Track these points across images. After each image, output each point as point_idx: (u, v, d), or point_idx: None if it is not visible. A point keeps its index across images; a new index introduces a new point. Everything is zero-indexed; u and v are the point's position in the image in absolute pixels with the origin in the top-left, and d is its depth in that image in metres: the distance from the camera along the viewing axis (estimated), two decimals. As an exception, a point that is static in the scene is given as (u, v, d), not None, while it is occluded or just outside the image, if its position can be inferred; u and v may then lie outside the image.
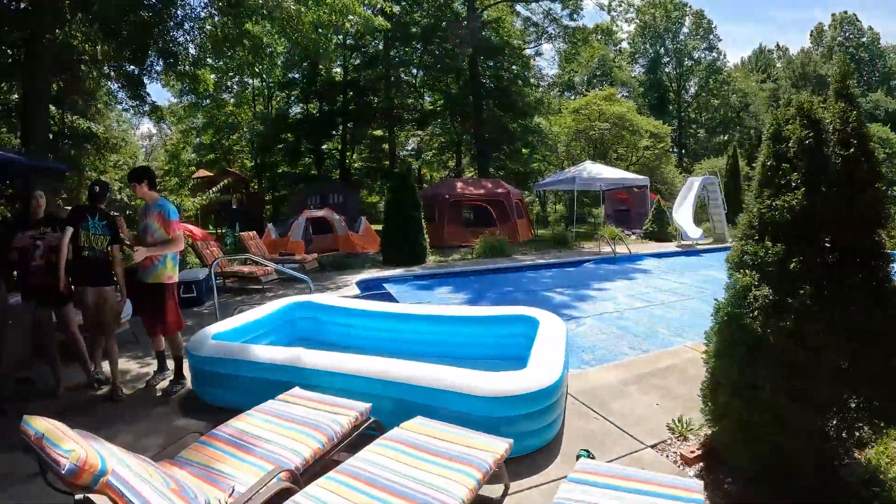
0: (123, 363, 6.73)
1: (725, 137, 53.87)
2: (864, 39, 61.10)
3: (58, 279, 5.67)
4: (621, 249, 16.76)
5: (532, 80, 33.76)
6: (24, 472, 4.03)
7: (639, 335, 8.09)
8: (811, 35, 64.35)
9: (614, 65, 52.78)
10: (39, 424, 2.45)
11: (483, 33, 29.24)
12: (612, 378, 5.75)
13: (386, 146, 35.78)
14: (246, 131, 35.36)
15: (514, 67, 32.43)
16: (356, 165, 36.86)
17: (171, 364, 6.19)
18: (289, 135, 34.39)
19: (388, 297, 10.90)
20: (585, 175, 21.51)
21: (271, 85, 37.20)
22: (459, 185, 20.80)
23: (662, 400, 5.16)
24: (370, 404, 4.11)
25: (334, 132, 35.32)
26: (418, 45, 32.12)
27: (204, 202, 16.94)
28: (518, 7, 32.94)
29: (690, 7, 55.58)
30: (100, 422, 5.04)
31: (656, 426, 4.62)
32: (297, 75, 36.00)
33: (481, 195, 20.31)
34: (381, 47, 33.26)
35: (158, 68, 16.34)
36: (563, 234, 19.35)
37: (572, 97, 42.12)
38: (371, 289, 11.77)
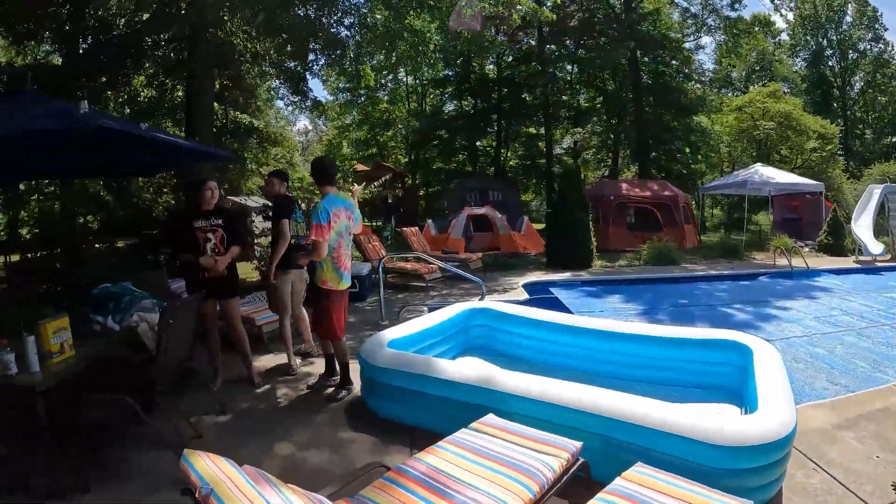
0: (282, 362, 6.84)
1: (895, 139, 49.62)
2: None
3: (230, 272, 5.97)
4: (797, 263, 15.49)
5: (693, 76, 32.36)
6: (171, 474, 3.84)
7: (835, 367, 7.28)
8: None
9: (774, 58, 49.60)
10: (204, 469, 2.19)
11: (640, 27, 28.44)
12: (822, 420, 5.02)
13: (542, 144, 35.24)
14: (401, 128, 35.90)
15: (673, 62, 31.37)
16: (511, 163, 36.58)
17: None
18: (443, 131, 34.64)
19: (557, 304, 10.60)
20: (757, 179, 20.27)
21: (424, 82, 37.66)
22: (625, 186, 20.27)
23: (883, 452, 4.46)
24: (581, 443, 3.40)
25: (489, 129, 35.23)
26: (570, 41, 31.52)
27: (367, 196, 17.19)
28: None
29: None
30: (257, 427, 5.08)
31: (882, 484, 3.92)
32: (450, 72, 36.18)
33: (647, 198, 19.65)
34: (532, 43, 32.78)
35: (321, 63, 16.71)
36: (733, 244, 18.31)
37: (729, 94, 39.95)
38: (538, 292, 11.56)
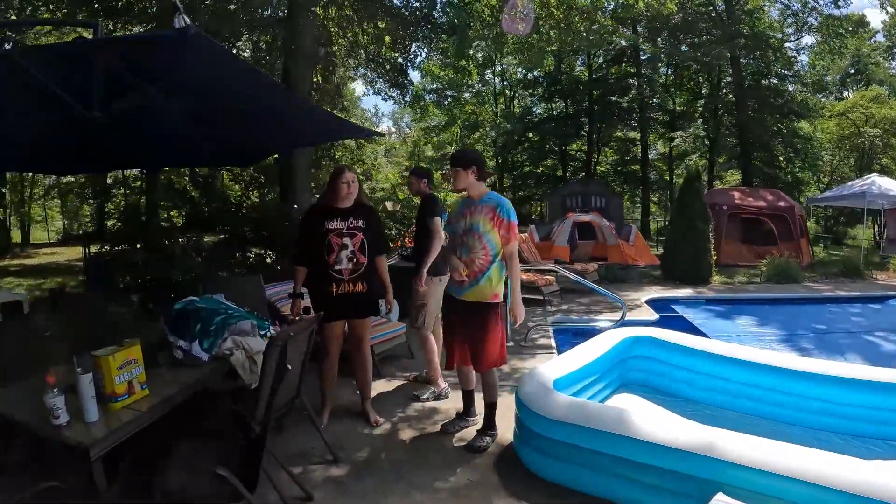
0: (399, 391, 6.12)
1: None
2: None
3: (370, 285, 4.90)
4: None
5: (797, 78, 31.09)
6: None
7: None
8: None
9: (870, 60, 47.35)
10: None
11: (741, 26, 27.40)
12: None
13: (636, 149, 34.65)
14: (490, 129, 35.49)
15: (774, 67, 30.10)
16: (601, 168, 35.86)
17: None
18: (532, 134, 34.33)
19: (684, 323, 10.03)
20: (876, 191, 19.00)
21: (513, 83, 37.27)
22: (737, 194, 19.15)
23: None
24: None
25: (582, 132, 34.61)
26: (667, 40, 30.45)
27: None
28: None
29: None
30: (382, 485, 4.11)
31: None
32: (538, 74, 35.65)
33: (762, 208, 18.51)
34: (622, 43, 31.99)
35: (423, 55, 16.21)
36: (854, 262, 17.16)
37: (823, 99, 38.28)
38: (661, 311, 10.86)
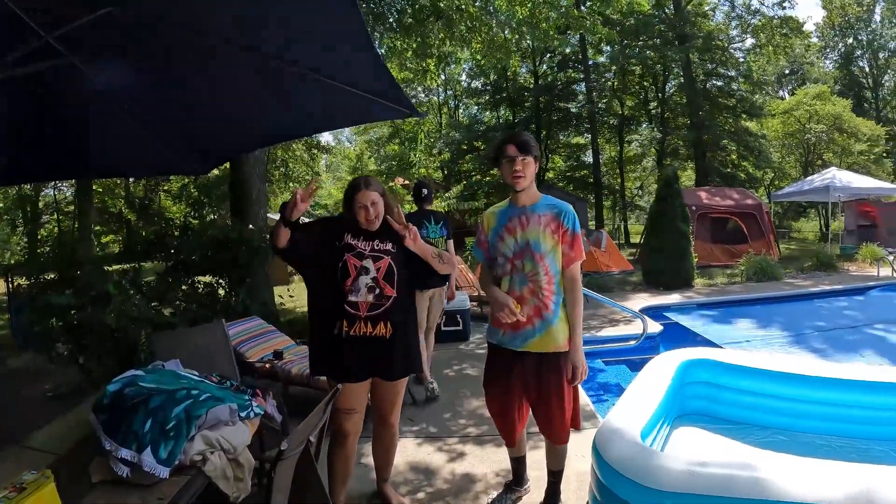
0: (415, 450, 4.71)
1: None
2: None
3: (402, 333, 3.40)
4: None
5: (745, 79, 31.34)
6: None
7: None
8: None
9: (805, 61, 48.58)
10: None
11: (689, 29, 27.69)
12: None
13: (586, 154, 34.48)
14: (432, 140, 34.58)
15: (720, 69, 30.60)
16: (550, 175, 35.36)
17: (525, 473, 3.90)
18: (479, 142, 33.58)
19: (684, 332, 9.64)
20: (839, 184, 19.06)
21: (457, 93, 36.73)
22: (703, 195, 18.95)
23: None
24: None
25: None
26: (608, 47, 30.52)
27: (443, 209, 15.87)
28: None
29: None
30: None
31: None
32: (483, 82, 35.40)
33: (731, 207, 18.37)
34: (567, 51, 31.91)
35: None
36: (827, 256, 17.19)
37: (767, 97, 38.88)
38: (656, 319, 10.15)
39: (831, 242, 20.77)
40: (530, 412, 3.53)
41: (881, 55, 50.42)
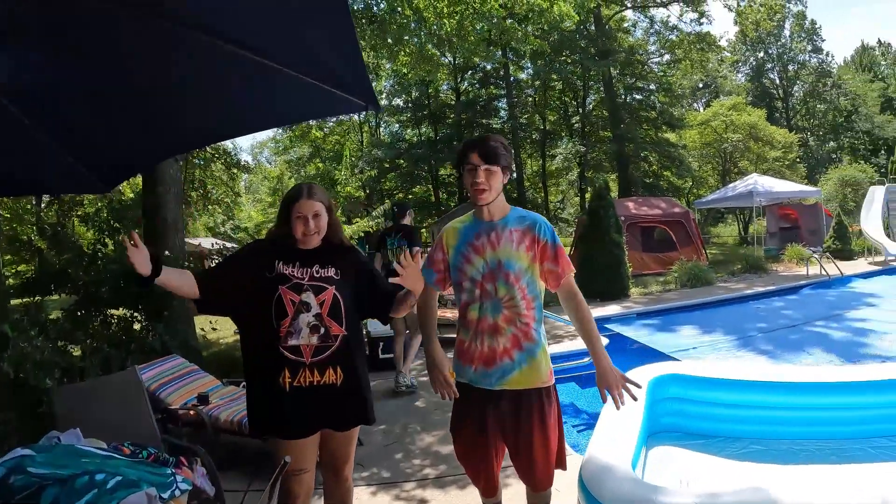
0: (365, 498, 4.12)
1: (836, 144, 51.37)
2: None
3: (353, 377, 2.84)
4: (833, 271, 15.13)
5: (665, 93, 32.05)
6: None
7: None
8: None
9: (718, 74, 50.40)
10: None
11: (610, 44, 28.10)
12: None
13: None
14: (362, 158, 34.03)
15: (638, 82, 31.18)
16: (473, 190, 35.32)
17: None
18: (402, 160, 33.27)
19: (628, 342, 9.60)
20: (761, 189, 19.60)
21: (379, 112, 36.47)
22: (631, 205, 19.02)
23: None
24: None
25: (454, 155, 34.01)
26: (529, 63, 30.92)
27: (370, 228, 15.31)
28: (637, 15, 31.52)
29: (789, 8, 52.68)
30: None
31: None
32: (400, 101, 35.17)
33: (658, 216, 18.46)
34: (489, 67, 32.05)
35: None
36: (756, 258, 17.70)
37: (684, 110, 40.13)
38: (599, 332, 9.95)
39: (756, 245, 21.30)
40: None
41: (790, 67, 53.26)
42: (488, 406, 2.79)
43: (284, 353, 2.70)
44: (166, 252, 8.18)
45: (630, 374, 4.55)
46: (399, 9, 12.11)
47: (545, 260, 2.79)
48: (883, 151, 48.20)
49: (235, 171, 19.96)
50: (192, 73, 2.93)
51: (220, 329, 10.47)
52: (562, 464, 2.92)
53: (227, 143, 22.50)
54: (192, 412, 4.62)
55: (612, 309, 11.97)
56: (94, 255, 7.69)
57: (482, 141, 2.78)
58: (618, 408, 2.80)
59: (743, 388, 4.68)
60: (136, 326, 7.19)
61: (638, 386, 2.80)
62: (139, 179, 9.72)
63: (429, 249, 3.53)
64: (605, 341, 7.52)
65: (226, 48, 2.58)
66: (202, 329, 9.33)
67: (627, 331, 10.30)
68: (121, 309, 7.21)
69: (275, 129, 35.95)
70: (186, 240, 20.43)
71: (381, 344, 7.68)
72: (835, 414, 4.50)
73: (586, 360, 7.30)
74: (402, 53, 13.48)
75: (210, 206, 22.08)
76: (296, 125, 15.12)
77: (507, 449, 2.91)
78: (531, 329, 2.77)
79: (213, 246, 18.04)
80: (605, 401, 2.79)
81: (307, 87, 2.82)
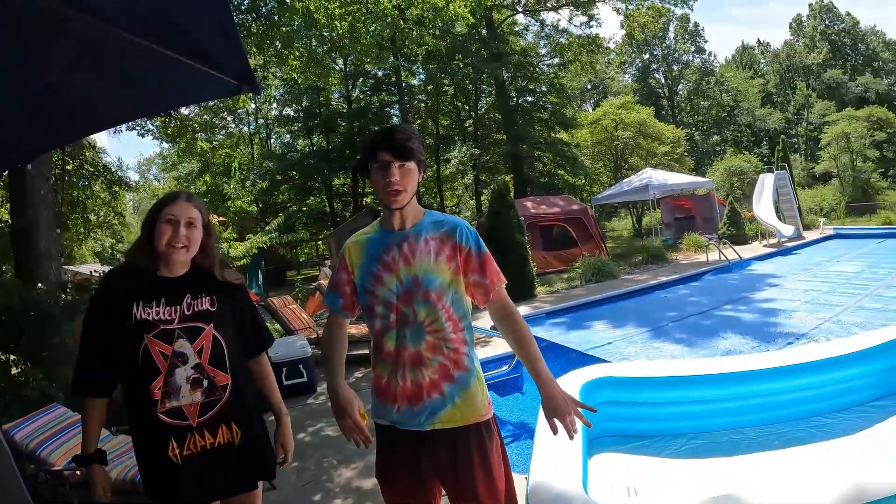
0: None
1: (719, 137, 54.10)
2: (843, 25, 61.21)
3: (247, 434, 2.39)
4: (732, 256, 15.64)
5: (552, 95, 32.36)
6: None
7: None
8: (791, 27, 64.45)
9: (605, 76, 52.02)
10: None
11: (502, 48, 28.29)
12: None
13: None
14: (253, 171, 32.81)
15: (530, 84, 31.53)
16: (367, 200, 34.58)
17: None
18: (294, 172, 32.43)
19: (542, 342, 8.98)
20: (656, 183, 20.08)
21: (269, 122, 35.31)
22: (530, 204, 18.89)
23: None
24: None
25: (347, 165, 33.21)
26: (422, 68, 30.90)
27: (264, 244, 14.42)
28: (528, 19, 31.84)
29: (674, 12, 55.18)
30: None
31: None
32: (290, 111, 34.54)
33: (558, 214, 18.42)
34: (380, 74, 31.70)
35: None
36: (657, 248, 18.00)
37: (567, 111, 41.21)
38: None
39: (653, 236, 21.86)
40: None
41: (675, 67, 56.04)
42: (419, 450, 2.29)
43: (164, 419, 2.21)
44: (39, 284, 7.21)
45: (560, 381, 4.27)
46: (288, 9, 11.47)
47: (470, 271, 2.31)
48: (765, 142, 51.43)
49: (118, 189, 18.36)
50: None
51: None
52: (512, 501, 2.40)
53: (111, 159, 20.92)
54: (78, 472, 3.87)
55: (521, 310, 11.52)
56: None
57: (392, 133, 2.27)
58: (571, 438, 2.30)
59: (677, 384, 4.61)
60: (13, 371, 6.23)
61: (592, 410, 2.35)
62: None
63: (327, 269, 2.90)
64: (502, 345, 7.16)
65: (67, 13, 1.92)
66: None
67: (539, 331, 9.87)
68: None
69: (160, 144, 34.35)
70: (71, 267, 18.79)
71: (285, 369, 7.04)
72: (771, 399, 4.55)
73: (504, 368, 6.91)
74: (292, 57, 12.87)
75: (93, 230, 20.47)
76: (166, 119, 13.95)
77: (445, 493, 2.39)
78: (461, 355, 2.29)
79: (99, 274, 16.71)
80: (555, 432, 2.29)
81: (168, 62, 2.20)
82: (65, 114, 2.79)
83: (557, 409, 2.25)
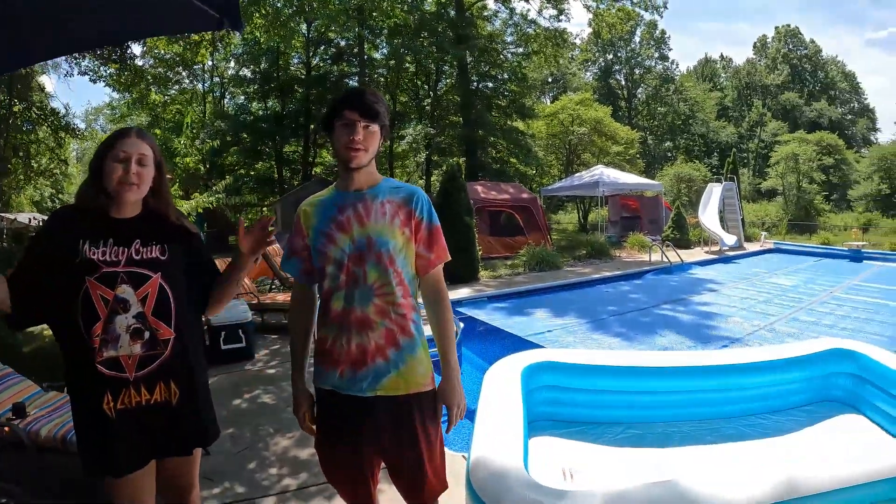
0: None
1: (672, 144, 55.07)
2: (805, 51, 62.84)
3: (190, 383, 2.25)
4: (673, 258, 16.02)
5: (513, 83, 32.26)
6: None
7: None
8: (755, 46, 66.34)
9: (567, 71, 52.28)
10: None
11: (469, 31, 28.04)
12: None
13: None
14: (203, 129, 31.67)
15: (492, 70, 31.48)
16: (317, 170, 33.98)
17: None
18: (245, 134, 31.62)
19: (483, 325, 9.32)
20: (607, 180, 20.31)
21: (224, 81, 34.29)
22: (480, 188, 18.86)
23: None
24: None
25: (299, 132, 32.56)
26: (386, 42, 30.52)
27: (210, 204, 13.80)
28: (498, 5, 31.55)
29: (643, 17, 55.70)
30: None
31: None
32: (248, 71, 33.77)
33: (507, 201, 18.41)
34: (342, 44, 31.21)
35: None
36: (602, 244, 18.09)
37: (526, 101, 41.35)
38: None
39: (598, 232, 22.05)
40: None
41: (637, 71, 56.65)
42: (362, 416, 2.21)
43: (101, 369, 2.05)
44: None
45: (502, 363, 4.39)
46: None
47: (417, 241, 2.27)
48: (716, 153, 52.57)
49: (64, 135, 17.51)
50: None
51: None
52: (442, 482, 2.38)
53: (58, 105, 19.99)
54: (6, 428, 3.61)
55: (463, 292, 11.66)
56: None
57: (360, 93, 2.21)
58: (447, 431, 2.34)
59: (617, 373, 4.57)
60: None
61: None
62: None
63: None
64: (459, 325, 7.13)
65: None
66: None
67: (480, 314, 10.01)
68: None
69: (110, 94, 33.12)
70: (7, 215, 17.97)
71: (224, 333, 6.80)
72: (707, 395, 4.59)
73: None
74: (257, 15, 12.52)
75: (34, 177, 19.55)
76: (120, 67, 13.42)
77: (385, 466, 2.37)
78: (408, 321, 2.23)
79: (38, 223, 15.93)
80: (441, 419, 2.32)
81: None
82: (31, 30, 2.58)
83: (452, 400, 2.28)
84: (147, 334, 2.10)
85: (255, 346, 7.27)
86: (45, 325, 2.14)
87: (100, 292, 2.05)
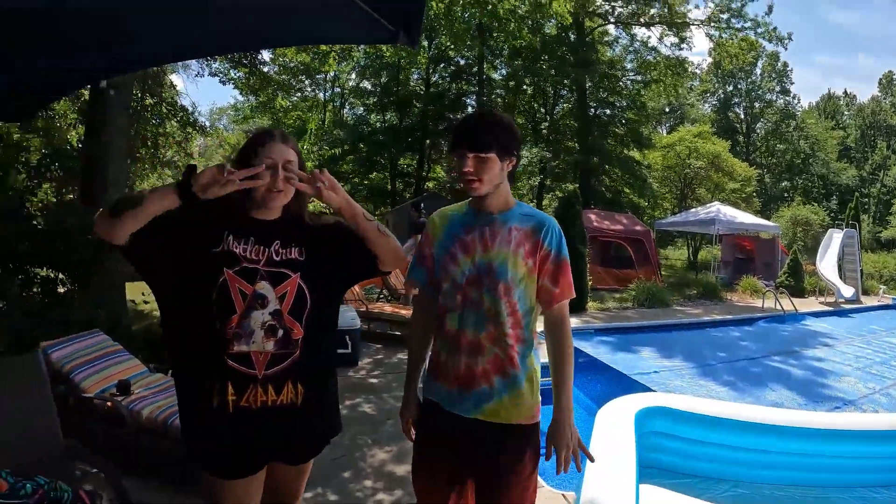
0: None
1: (790, 184, 52.75)
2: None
3: (313, 400, 2.18)
4: (787, 306, 15.03)
5: (631, 111, 32.05)
6: None
7: None
8: (880, 83, 61.81)
9: (685, 101, 51.07)
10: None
11: (590, 55, 27.93)
12: None
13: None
14: (322, 137, 32.84)
15: (611, 97, 31.24)
16: (430, 184, 34.58)
17: None
18: (362, 145, 32.49)
19: (588, 358, 8.96)
20: (723, 217, 19.73)
21: (345, 92, 35.40)
22: (594, 217, 18.72)
23: None
24: None
25: (417, 146, 33.31)
26: (505, 63, 30.69)
27: (326, 210, 14.35)
28: (619, 31, 31.31)
29: (765, 47, 53.89)
30: None
31: None
32: (368, 84, 34.58)
33: (620, 232, 18.26)
34: (462, 63, 31.73)
35: None
36: (713, 285, 17.64)
37: (644, 130, 40.63)
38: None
39: (710, 272, 21.40)
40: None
41: (757, 104, 54.45)
42: (460, 435, 2.25)
43: (229, 363, 2.01)
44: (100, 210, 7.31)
45: (615, 403, 4.26)
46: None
47: (543, 274, 2.25)
48: (835, 196, 49.87)
49: (191, 131, 18.44)
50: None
51: (153, 301, 9.36)
52: None
53: (186, 102, 20.92)
54: (109, 403, 3.79)
55: (571, 321, 11.53)
56: (21, 205, 6.84)
57: (470, 122, 2.24)
58: (557, 472, 2.24)
59: (731, 427, 4.38)
60: (60, 289, 6.32)
61: (591, 458, 2.30)
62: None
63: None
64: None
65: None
66: (132, 301, 7.80)
67: (586, 346, 9.80)
68: (45, 269, 6.32)
69: (235, 96, 34.48)
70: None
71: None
72: (819, 461, 4.38)
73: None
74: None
75: (159, 168, 20.59)
76: (251, 71, 14.13)
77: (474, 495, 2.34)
78: (515, 353, 2.22)
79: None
80: (548, 459, 2.27)
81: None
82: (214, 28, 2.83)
83: (562, 440, 2.23)
84: (281, 332, 2.07)
85: (360, 354, 7.41)
86: (154, 307, 2.22)
87: (238, 286, 2.03)
